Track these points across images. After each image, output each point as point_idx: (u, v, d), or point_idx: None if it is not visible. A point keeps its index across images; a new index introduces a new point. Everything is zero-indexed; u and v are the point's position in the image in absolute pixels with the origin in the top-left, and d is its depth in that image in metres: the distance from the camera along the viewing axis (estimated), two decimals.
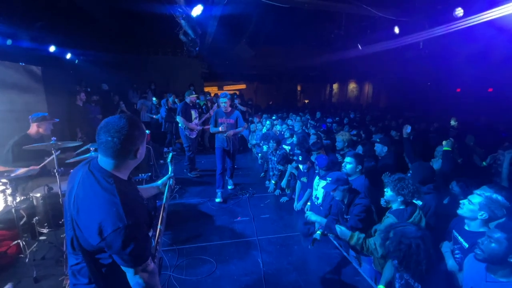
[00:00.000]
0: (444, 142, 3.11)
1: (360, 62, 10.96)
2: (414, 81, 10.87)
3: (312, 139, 5.02)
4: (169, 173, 1.85)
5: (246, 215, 4.01)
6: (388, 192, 2.28)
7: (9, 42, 5.46)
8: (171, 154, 2.04)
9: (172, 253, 3.05)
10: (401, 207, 2.24)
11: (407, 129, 3.50)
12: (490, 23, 4.76)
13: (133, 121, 1.22)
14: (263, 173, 5.73)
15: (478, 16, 4.81)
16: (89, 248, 1.16)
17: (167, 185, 1.77)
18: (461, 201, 1.99)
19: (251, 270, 2.83)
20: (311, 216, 2.65)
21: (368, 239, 2.23)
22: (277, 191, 4.78)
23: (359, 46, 8.36)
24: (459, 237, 1.97)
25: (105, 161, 1.21)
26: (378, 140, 3.93)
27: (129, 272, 1.16)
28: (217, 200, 4.39)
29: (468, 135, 4.70)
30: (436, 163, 3.31)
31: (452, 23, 5.31)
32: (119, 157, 1.20)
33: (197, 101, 6.54)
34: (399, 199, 2.23)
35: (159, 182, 1.79)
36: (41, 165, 2.92)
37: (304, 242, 3.25)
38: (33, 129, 3.15)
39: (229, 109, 4.50)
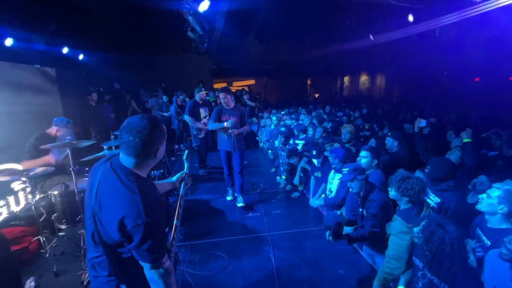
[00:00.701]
0: (462, 133, 2.95)
1: (372, 54, 10.63)
2: (429, 71, 10.46)
3: (319, 131, 4.97)
4: (185, 169, 1.88)
5: (257, 211, 4.01)
6: (392, 192, 2.20)
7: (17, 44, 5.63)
8: (186, 151, 2.06)
9: (185, 249, 3.10)
10: (407, 206, 2.17)
11: (420, 123, 3.34)
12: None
13: (155, 122, 1.25)
14: (274, 169, 5.71)
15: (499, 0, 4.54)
16: (111, 242, 1.20)
17: (183, 181, 1.79)
18: (479, 196, 1.90)
19: (263, 265, 2.83)
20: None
21: (381, 268, 2.19)
22: (288, 187, 4.75)
23: (371, 37, 8.11)
24: (482, 235, 1.89)
25: (126, 160, 1.25)
26: (389, 134, 3.81)
27: (146, 267, 1.21)
28: (228, 198, 4.34)
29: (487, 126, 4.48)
30: (454, 154, 3.16)
31: (471, 8, 5.02)
32: (140, 156, 1.24)
33: (207, 98, 6.45)
34: (404, 199, 2.16)
35: (174, 178, 1.82)
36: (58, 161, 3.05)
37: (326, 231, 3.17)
38: (52, 130, 3.28)
39: (232, 104, 4.03)
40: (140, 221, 1.12)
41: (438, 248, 1.56)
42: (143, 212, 1.13)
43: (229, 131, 3.85)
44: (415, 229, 1.74)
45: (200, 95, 5.25)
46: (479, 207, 1.88)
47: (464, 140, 2.85)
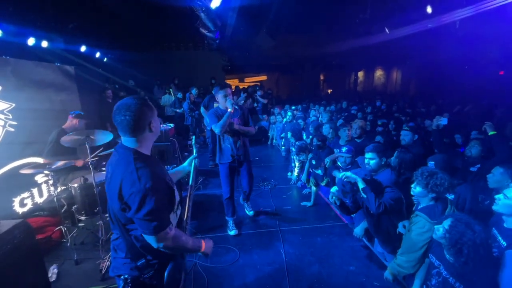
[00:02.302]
0: (486, 127, 2.88)
1: (388, 48, 10.30)
2: (448, 65, 10.03)
3: (326, 128, 4.88)
4: (194, 154, 1.96)
5: (268, 206, 4.05)
6: (417, 189, 2.13)
7: (44, 44, 5.89)
8: (193, 137, 2.15)
9: None
10: (430, 203, 2.11)
11: (440, 120, 3.22)
12: None
13: (140, 98, 1.34)
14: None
15: None
16: (122, 218, 1.30)
17: (193, 165, 1.87)
18: (496, 196, 1.83)
19: (273, 260, 2.87)
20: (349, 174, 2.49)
21: (394, 260, 2.19)
22: (300, 183, 4.75)
23: (387, 30, 7.87)
24: (498, 235, 1.82)
25: (127, 140, 1.34)
26: (407, 128, 3.68)
27: (151, 241, 1.26)
28: (231, 233, 3.35)
29: (509, 123, 4.28)
30: (474, 148, 3.06)
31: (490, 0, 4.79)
32: (135, 132, 1.31)
33: None
34: (430, 195, 2.09)
35: (185, 163, 1.91)
36: (86, 160, 3.18)
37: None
38: (69, 123, 3.44)
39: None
40: (134, 189, 1.20)
41: (470, 250, 1.48)
42: (137, 180, 1.20)
43: (234, 126, 3.23)
44: (437, 226, 1.69)
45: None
46: (495, 208, 1.81)
47: (490, 133, 2.79)
